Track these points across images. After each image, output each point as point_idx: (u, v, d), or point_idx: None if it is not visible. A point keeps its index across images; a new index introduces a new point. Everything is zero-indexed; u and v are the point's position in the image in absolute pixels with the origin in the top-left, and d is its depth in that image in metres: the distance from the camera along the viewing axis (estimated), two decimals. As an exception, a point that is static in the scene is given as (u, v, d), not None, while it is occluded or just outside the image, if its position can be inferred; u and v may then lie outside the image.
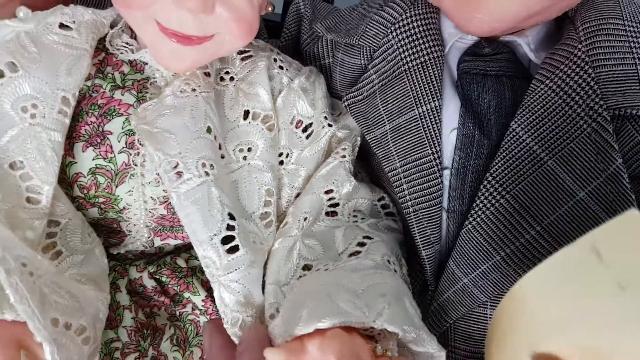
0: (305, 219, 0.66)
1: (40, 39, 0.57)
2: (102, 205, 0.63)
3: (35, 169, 0.56)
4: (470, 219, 0.56)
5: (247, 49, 0.69)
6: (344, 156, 0.67)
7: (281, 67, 0.69)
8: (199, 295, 0.72)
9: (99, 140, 0.61)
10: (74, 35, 0.59)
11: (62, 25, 0.59)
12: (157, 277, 0.71)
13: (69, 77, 0.58)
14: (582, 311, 0.34)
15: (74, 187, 0.62)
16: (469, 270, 0.57)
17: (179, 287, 0.72)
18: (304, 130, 0.69)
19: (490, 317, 0.59)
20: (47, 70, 0.57)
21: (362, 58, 0.65)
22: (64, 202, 0.60)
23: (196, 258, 0.75)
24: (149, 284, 0.71)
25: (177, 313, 0.74)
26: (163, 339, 0.72)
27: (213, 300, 0.73)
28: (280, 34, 0.78)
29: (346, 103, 0.66)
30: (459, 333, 0.61)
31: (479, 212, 0.55)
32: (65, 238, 0.61)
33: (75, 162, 0.61)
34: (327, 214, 0.67)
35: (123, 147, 0.61)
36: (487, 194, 0.55)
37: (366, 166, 0.73)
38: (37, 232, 0.57)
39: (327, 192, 0.67)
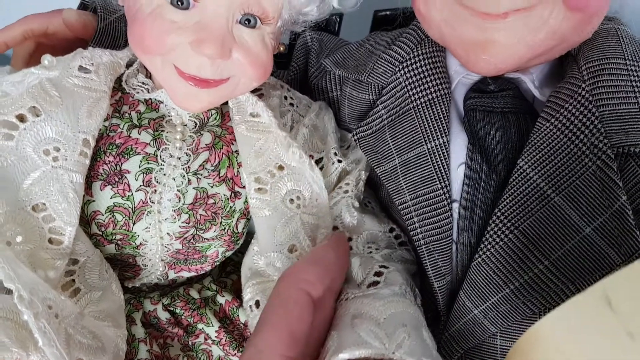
0: None
1: (61, 82, 0.59)
2: (120, 242, 0.65)
3: (57, 211, 0.58)
4: (480, 253, 0.58)
5: (259, 87, 0.71)
6: (346, 191, 0.69)
7: (292, 104, 0.71)
8: (213, 326, 0.73)
9: (116, 179, 0.62)
10: (93, 77, 0.61)
11: (81, 68, 0.61)
12: (171, 309, 0.73)
13: (90, 120, 0.59)
14: (593, 358, 0.35)
15: (92, 225, 0.63)
16: (480, 302, 0.59)
17: (192, 319, 0.73)
18: (317, 162, 0.71)
19: (500, 348, 0.60)
20: (68, 113, 0.58)
21: (370, 93, 0.67)
22: (83, 240, 0.62)
23: (208, 289, 0.76)
24: (163, 316, 0.72)
25: (190, 343, 0.76)
26: (177, 368, 0.73)
27: (226, 331, 0.74)
28: (286, 65, 0.80)
29: (355, 137, 0.67)
30: (469, 363, 0.62)
31: (489, 246, 0.57)
32: (84, 275, 0.62)
33: (94, 201, 0.62)
34: None
35: (140, 185, 0.63)
36: (495, 229, 0.56)
37: (376, 197, 0.75)
38: (59, 272, 0.58)
39: (332, 229, 0.68)
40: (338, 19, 0.83)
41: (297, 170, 0.65)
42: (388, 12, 0.79)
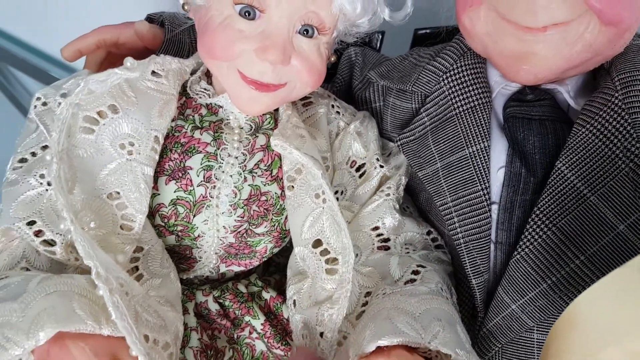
0: (357, 255, 0.72)
1: (136, 84, 0.65)
2: (180, 233, 0.70)
3: (130, 200, 0.63)
4: (519, 250, 0.62)
5: (308, 96, 0.76)
6: (388, 194, 0.73)
7: (338, 112, 0.76)
8: (259, 319, 0.78)
9: (180, 175, 0.68)
10: (163, 81, 0.67)
11: (153, 72, 0.67)
12: (221, 301, 0.77)
13: (160, 119, 0.65)
14: (634, 323, 0.39)
15: (156, 216, 0.69)
16: (518, 297, 0.62)
17: (240, 311, 0.77)
18: (357, 169, 0.75)
19: (537, 341, 0.64)
20: (142, 112, 0.64)
21: (414, 102, 0.72)
22: (148, 230, 0.67)
23: (255, 285, 0.81)
24: (213, 307, 0.77)
25: (235, 336, 0.80)
26: (224, 359, 0.77)
27: (271, 324, 0.78)
28: (330, 79, 0.85)
29: (399, 143, 0.72)
30: (506, 357, 0.66)
31: (527, 244, 0.61)
32: (147, 263, 0.67)
33: (159, 194, 0.68)
34: (379, 248, 0.73)
35: (201, 181, 0.68)
36: (534, 226, 0.60)
37: (414, 202, 0.79)
38: (127, 256, 0.63)
39: (374, 229, 0.73)
40: (380, 36, 0.88)
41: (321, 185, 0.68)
42: (428, 30, 0.84)
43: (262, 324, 0.78)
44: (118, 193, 0.63)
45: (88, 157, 0.63)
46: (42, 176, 0.63)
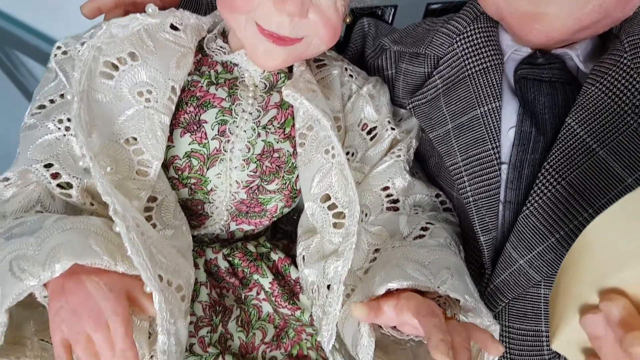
0: (366, 214, 0.73)
1: (155, 35, 0.66)
2: (193, 186, 0.71)
3: (146, 146, 0.64)
4: (528, 205, 0.63)
5: (322, 58, 0.78)
6: (399, 156, 0.74)
7: (351, 76, 0.77)
8: (267, 277, 0.79)
9: (195, 128, 0.69)
10: (181, 35, 0.68)
11: (171, 26, 0.68)
12: (230, 259, 0.78)
13: (178, 70, 0.67)
14: None
15: (170, 169, 0.70)
16: (526, 252, 0.63)
17: (248, 270, 0.78)
18: (369, 132, 0.76)
19: (544, 296, 0.65)
20: (160, 62, 0.66)
21: (426, 66, 0.73)
22: (163, 180, 0.68)
23: (263, 246, 0.82)
24: (223, 265, 0.78)
25: (243, 296, 0.81)
26: (231, 318, 0.78)
27: (279, 283, 0.79)
28: (342, 49, 0.87)
29: (411, 106, 0.74)
30: (513, 313, 0.67)
31: (537, 198, 0.62)
32: (160, 213, 0.68)
33: (173, 146, 0.69)
34: (388, 209, 0.74)
35: (216, 135, 0.69)
36: (544, 181, 0.61)
37: (423, 168, 0.80)
38: (142, 202, 0.64)
39: (383, 189, 0.74)
40: (393, 10, 0.90)
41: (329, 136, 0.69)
42: (440, 5, 0.86)
43: (270, 283, 0.79)
44: (135, 139, 0.64)
45: (107, 103, 0.64)
46: (60, 121, 0.64)
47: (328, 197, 0.69)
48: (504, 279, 0.66)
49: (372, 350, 0.59)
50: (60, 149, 0.64)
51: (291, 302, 0.79)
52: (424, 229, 0.69)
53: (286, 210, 0.79)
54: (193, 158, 0.69)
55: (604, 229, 0.43)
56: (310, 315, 0.79)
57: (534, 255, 0.63)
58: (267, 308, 0.81)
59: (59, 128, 0.64)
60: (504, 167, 0.67)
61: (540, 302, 0.65)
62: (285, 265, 0.81)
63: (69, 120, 0.64)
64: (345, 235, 0.67)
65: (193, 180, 0.70)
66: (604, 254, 0.43)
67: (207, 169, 0.70)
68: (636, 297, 0.41)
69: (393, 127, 0.75)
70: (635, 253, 0.40)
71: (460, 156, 0.68)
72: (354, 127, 0.76)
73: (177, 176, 0.70)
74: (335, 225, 0.69)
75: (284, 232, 0.92)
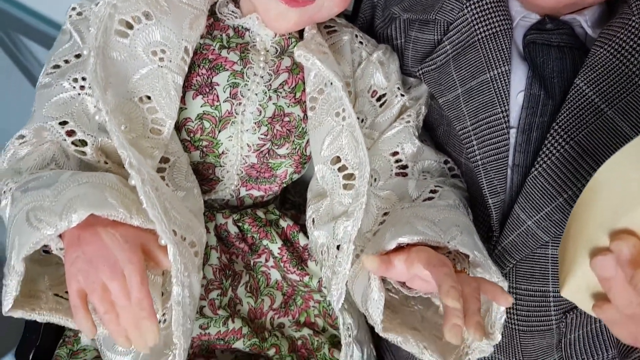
0: (375, 179, 0.74)
1: None
2: (205, 149, 0.72)
3: (160, 104, 0.65)
4: (537, 166, 0.64)
5: (332, 25, 0.78)
6: (408, 122, 0.75)
7: (361, 43, 0.78)
8: (276, 243, 0.79)
9: (207, 90, 0.69)
10: None
11: None
12: (240, 224, 0.79)
13: (191, 31, 0.67)
14: None
15: (182, 131, 0.70)
16: (534, 213, 0.64)
17: (258, 235, 0.79)
18: (378, 99, 0.77)
19: (551, 257, 0.66)
20: (174, 22, 0.66)
21: (436, 33, 0.74)
22: (175, 141, 0.69)
23: (272, 213, 0.83)
24: (233, 230, 0.79)
25: (252, 263, 0.81)
26: (240, 283, 0.79)
27: (288, 249, 0.80)
28: (352, 20, 0.87)
29: (420, 72, 0.74)
30: (520, 274, 0.67)
31: (545, 159, 0.63)
32: (172, 175, 0.69)
33: (186, 108, 0.70)
34: (397, 174, 0.75)
35: (227, 97, 0.70)
36: (553, 141, 0.62)
37: (432, 137, 0.81)
38: (155, 161, 0.65)
39: (393, 154, 0.74)
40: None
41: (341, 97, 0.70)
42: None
43: (279, 248, 0.80)
44: (149, 98, 0.65)
45: (122, 61, 0.64)
46: (75, 80, 0.65)
47: (338, 159, 0.70)
48: (512, 241, 0.67)
49: (382, 305, 0.60)
50: (75, 107, 0.65)
51: (300, 267, 0.80)
52: (433, 191, 0.70)
53: (295, 176, 0.80)
54: (205, 120, 0.70)
55: (614, 172, 0.44)
56: (319, 281, 0.80)
57: (542, 215, 0.64)
58: (275, 275, 0.82)
59: (74, 87, 0.65)
60: (513, 132, 0.68)
61: (548, 262, 0.66)
62: (293, 232, 0.81)
63: (83, 79, 0.65)
64: (355, 196, 0.67)
65: (205, 143, 0.71)
66: (613, 197, 0.44)
67: (219, 132, 0.71)
68: None
69: (402, 93, 0.76)
70: None
71: (470, 120, 0.69)
72: (363, 93, 0.76)
73: (189, 138, 0.71)
74: (345, 186, 0.69)
75: (292, 202, 0.93)
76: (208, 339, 0.76)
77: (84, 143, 0.64)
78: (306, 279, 0.80)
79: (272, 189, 0.80)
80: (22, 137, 0.64)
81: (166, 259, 0.58)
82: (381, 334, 0.62)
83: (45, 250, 0.67)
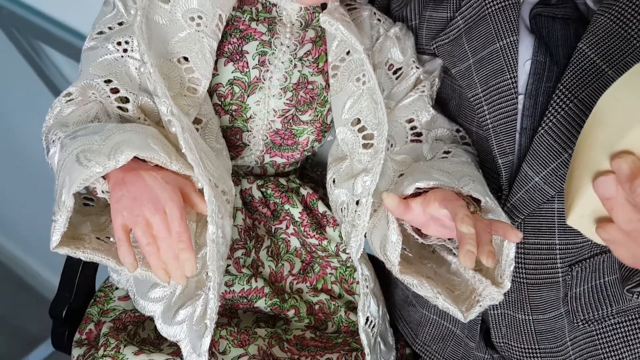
0: (392, 145, 0.79)
1: None
2: (234, 113, 0.77)
3: (197, 65, 0.71)
4: (543, 125, 0.69)
5: (352, 3, 0.84)
6: (423, 91, 0.80)
7: (379, 20, 0.84)
8: (297, 207, 0.84)
9: (238, 57, 0.75)
10: None
11: None
12: (263, 189, 0.84)
13: (225, 0, 0.73)
14: None
15: (214, 96, 0.76)
16: (541, 169, 0.69)
17: (280, 200, 0.84)
18: (395, 72, 0.83)
19: (557, 211, 0.70)
20: None
21: (449, 11, 0.80)
22: (208, 104, 0.75)
23: (293, 182, 0.88)
24: (257, 194, 0.84)
25: (273, 229, 0.86)
26: (262, 246, 0.84)
27: (308, 214, 0.85)
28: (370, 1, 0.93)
29: (435, 46, 0.80)
30: (528, 229, 0.72)
31: (551, 117, 0.68)
32: (204, 135, 0.74)
33: (217, 74, 0.75)
34: (412, 141, 0.80)
35: (256, 64, 0.76)
36: (558, 100, 0.67)
37: (444, 111, 0.86)
38: (190, 119, 0.70)
39: (408, 121, 0.80)
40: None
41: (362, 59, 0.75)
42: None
43: (300, 213, 0.84)
44: (186, 59, 0.71)
45: (163, 25, 0.71)
46: (119, 43, 0.71)
47: (358, 121, 0.75)
48: (520, 197, 0.71)
49: (399, 247, 0.65)
50: (118, 68, 0.71)
51: (319, 232, 0.84)
52: (446, 152, 0.75)
53: (316, 145, 0.85)
54: (235, 85, 0.76)
55: (614, 99, 0.48)
56: (336, 245, 0.85)
57: (548, 171, 0.69)
58: (294, 243, 0.87)
59: (118, 50, 0.71)
60: (521, 98, 0.73)
61: (554, 216, 0.70)
62: (313, 200, 0.86)
63: (127, 43, 0.71)
64: (374, 154, 0.73)
65: (234, 107, 0.77)
66: (614, 122, 0.48)
67: (248, 96, 0.76)
68: None
69: (417, 66, 0.82)
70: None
71: (481, 87, 0.74)
72: (381, 65, 0.82)
73: (220, 103, 0.77)
74: (364, 146, 0.75)
75: (310, 177, 0.98)
76: (232, 297, 0.81)
77: (126, 100, 0.70)
78: (324, 242, 0.85)
79: (294, 157, 0.85)
80: (69, 94, 0.70)
81: (202, 203, 0.63)
82: (398, 276, 0.67)
83: (86, 203, 0.72)
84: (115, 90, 0.70)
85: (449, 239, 0.69)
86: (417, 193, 0.65)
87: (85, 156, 0.60)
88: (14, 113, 2.26)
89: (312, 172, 1.00)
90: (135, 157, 0.62)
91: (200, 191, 0.64)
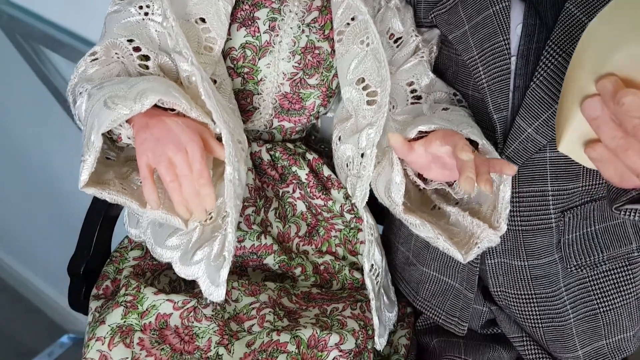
0: (393, 106, 0.84)
1: None
2: (246, 75, 0.82)
3: (213, 26, 0.76)
4: (535, 79, 0.74)
5: (354, -23, 0.90)
6: (422, 57, 0.86)
7: None
8: (304, 169, 0.89)
9: (249, 23, 0.81)
10: None
11: None
12: (272, 152, 0.89)
13: None
14: (633, 29, 0.50)
15: (227, 59, 0.81)
16: (533, 121, 0.74)
17: (287, 162, 0.89)
18: (395, 41, 0.89)
19: (549, 159, 0.75)
20: None
21: None
22: (222, 65, 0.80)
23: (299, 147, 0.93)
24: (265, 157, 0.89)
25: (280, 193, 0.91)
26: (270, 207, 0.88)
27: (314, 176, 0.90)
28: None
29: (433, 16, 0.86)
30: (522, 178, 0.77)
31: (542, 72, 0.73)
32: (218, 95, 0.79)
33: (230, 39, 0.81)
34: (412, 103, 0.85)
35: (267, 29, 0.81)
36: (548, 56, 0.73)
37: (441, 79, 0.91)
38: (207, 76, 0.75)
39: (409, 84, 0.85)
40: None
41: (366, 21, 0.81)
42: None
43: (306, 174, 0.89)
44: (203, 20, 0.76)
45: (183, -11, 0.76)
46: (140, 7, 0.76)
47: (363, 80, 0.81)
48: (514, 148, 0.76)
49: (403, 188, 0.70)
50: (140, 30, 0.76)
51: (324, 193, 0.89)
52: (445, 109, 0.80)
53: (322, 110, 0.90)
54: (247, 49, 0.81)
55: (601, 25, 0.53)
56: (341, 206, 0.90)
57: (540, 122, 0.74)
58: (301, 207, 0.91)
59: (139, 13, 0.76)
60: (513, 59, 0.79)
61: (546, 164, 0.75)
62: (318, 164, 0.91)
63: (147, 7, 0.76)
64: (377, 109, 0.78)
65: (246, 70, 0.82)
66: (600, 47, 0.53)
67: (259, 59, 0.81)
68: (626, 80, 0.52)
69: (417, 35, 0.88)
70: (622, 37, 0.51)
71: (476, 50, 0.80)
72: (382, 34, 0.87)
73: (232, 66, 0.82)
74: (368, 102, 0.80)
75: (314, 149, 1.03)
76: (243, 253, 0.85)
77: (146, 59, 0.75)
78: (330, 203, 0.90)
79: (301, 121, 0.90)
80: (94, 53, 0.75)
81: (219, 148, 0.68)
82: (402, 216, 0.71)
83: (109, 157, 0.77)
84: (137, 49, 0.75)
85: (448, 185, 0.74)
86: (420, 138, 0.70)
87: (112, 101, 0.65)
88: (16, 119, 2.30)
89: (315, 144, 1.05)
90: (156, 106, 0.67)
91: (217, 139, 0.69)
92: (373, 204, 0.87)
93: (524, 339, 0.84)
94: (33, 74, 2.17)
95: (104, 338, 0.70)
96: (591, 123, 0.54)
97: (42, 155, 2.29)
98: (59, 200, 2.19)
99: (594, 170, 0.76)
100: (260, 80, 0.83)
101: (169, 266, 0.87)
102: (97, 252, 0.91)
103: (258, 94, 0.85)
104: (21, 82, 2.20)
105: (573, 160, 0.75)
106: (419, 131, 0.70)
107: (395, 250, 0.97)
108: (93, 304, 0.83)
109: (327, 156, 0.94)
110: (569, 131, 0.58)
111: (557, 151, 0.74)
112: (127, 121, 0.67)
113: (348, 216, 0.90)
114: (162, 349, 0.70)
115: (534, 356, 0.83)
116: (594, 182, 0.76)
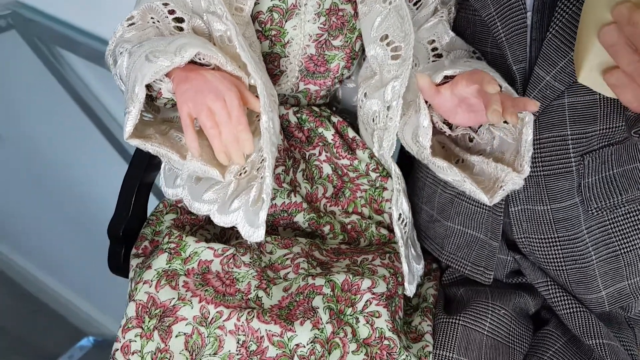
0: (415, 64, 0.88)
1: None
2: (273, 38, 0.86)
3: None
4: (551, 30, 0.77)
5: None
6: (442, 16, 0.89)
7: None
8: (330, 130, 0.93)
9: None
10: None
11: None
12: (299, 115, 0.93)
13: None
14: None
15: (255, 23, 0.85)
16: (550, 69, 0.78)
17: (314, 124, 0.93)
18: (415, 4, 0.92)
19: (567, 104, 0.79)
20: None
21: None
22: (251, 28, 0.84)
23: (325, 111, 0.97)
24: (292, 119, 0.92)
25: (307, 155, 0.95)
26: (298, 169, 0.92)
27: (340, 137, 0.93)
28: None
29: (450, -22, 0.90)
30: (542, 124, 0.80)
31: (557, 22, 0.77)
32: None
33: (258, 3, 0.85)
34: (433, 61, 0.89)
35: None
36: (562, 6, 0.76)
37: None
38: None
39: (430, 42, 0.89)
40: None
41: None
42: None
43: (332, 135, 0.93)
44: None
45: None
46: None
47: (386, 37, 0.84)
48: (534, 96, 0.80)
49: (430, 131, 0.73)
50: None
51: (350, 153, 0.93)
52: (466, 62, 0.84)
53: (345, 72, 0.94)
54: (274, 12, 0.85)
55: None
56: (366, 165, 0.93)
57: (557, 69, 0.77)
58: (327, 169, 0.95)
59: None
60: (529, 14, 0.82)
61: (565, 109, 0.79)
62: (343, 126, 0.95)
63: None
64: (402, 62, 0.81)
65: (274, 32, 0.86)
66: None
67: (286, 22, 0.85)
68: None
69: None
70: None
71: (494, 7, 0.84)
72: None
73: (260, 29, 0.86)
74: (393, 57, 0.83)
75: (338, 113, 1.07)
76: (274, 211, 0.89)
77: (181, 21, 0.79)
78: (355, 162, 0.93)
79: (326, 84, 0.94)
80: (131, 17, 0.79)
81: (254, 99, 0.72)
82: (430, 159, 0.75)
83: (147, 118, 0.81)
84: (172, 12, 0.79)
85: (473, 132, 0.77)
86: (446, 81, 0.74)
87: (154, 54, 0.69)
88: (35, 120, 2.35)
89: (337, 115, 1.09)
90: (193, 62, 0.72)
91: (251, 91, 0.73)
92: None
93: (549, 283, 0.87)
94: (51, 75, 2.22)
95: (151, 281, 0.74)
96: (609, 50, 0.58)
97: (62, 157, 2.33)
98: (78, 205, 2.23)
99: (610, 113, 0.79)
100: (287, 42, 0.87)
101: (205, 224, 0.90)
102: (134, 215, 0.95)
103: (285, 56, 0.89)
104: (39, 84, 2.25)
105: (590, 105, 0.79)
106: (445, 76, 0.73)
107: (419, 211, 1.00)
108: (134, 261, 0.87)
109: (350, 125, 0.98)
110: (588, 61, 0.62)
111: (575, 96, 0.78)
112: (167, 75, 0.71)
113: (373, 175, 0.94)
114: (206, 290, 0.74)
115: (558, 299, 0.86)
116: (611, 126, 0.79)
